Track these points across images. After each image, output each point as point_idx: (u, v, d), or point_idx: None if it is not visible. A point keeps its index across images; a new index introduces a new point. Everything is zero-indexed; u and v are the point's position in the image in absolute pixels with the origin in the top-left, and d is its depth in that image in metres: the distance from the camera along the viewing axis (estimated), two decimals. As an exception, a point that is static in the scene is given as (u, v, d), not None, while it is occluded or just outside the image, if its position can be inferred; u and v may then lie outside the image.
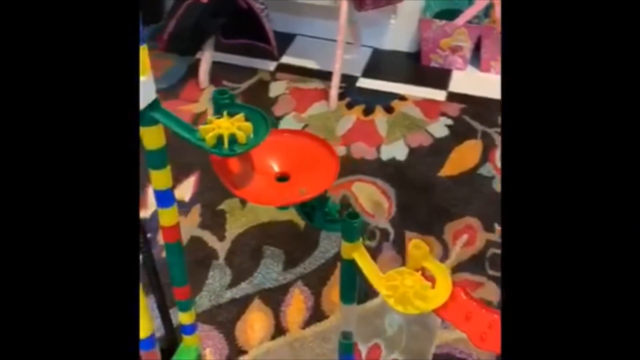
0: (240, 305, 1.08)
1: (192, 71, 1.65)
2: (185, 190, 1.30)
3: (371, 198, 1.30)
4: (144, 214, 1.25)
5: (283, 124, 1.50)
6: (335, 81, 1.56)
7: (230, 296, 1.09)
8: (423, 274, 0.71)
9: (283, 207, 0.70)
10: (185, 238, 1.20)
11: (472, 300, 0.73)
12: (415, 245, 0.72)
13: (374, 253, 1.18)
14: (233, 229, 1.21)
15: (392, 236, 1.22)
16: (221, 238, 1.20)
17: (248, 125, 0.59)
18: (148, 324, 0.72)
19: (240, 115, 0.60)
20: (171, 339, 0.91)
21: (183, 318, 0.85)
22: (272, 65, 1.71)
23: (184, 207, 1.26)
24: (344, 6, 1.49)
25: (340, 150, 1.43)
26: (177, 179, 1.30)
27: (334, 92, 1.55)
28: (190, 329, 0.87)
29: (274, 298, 1.09)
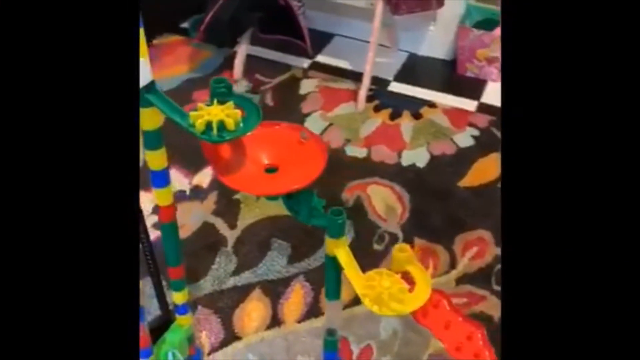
0: (241, 293, 1.10)
1: (228, 63, 1.69)
2: (205, 177, 1.34)
3: (385, 202, 1.30)
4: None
5: (309, 122, 1.52)
6: (365, 82, 1.56)
7: (232, 283, 1.12)
8: (406, 278, 0.72)
9: (271, 198, 0.71)
10: (198, 223, 1.24)
11: (454, 311, 0.73)
12: (400, 248, 0.72)
13: (381, 256, 1.18)
14: (245, 219, 1.24)
15: (400, 241, 1.21)
16: (232, 226, 1.23)
17: (237, 113, 0.61)
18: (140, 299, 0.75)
19: (230, 103, 0.62)
20: (166, 319, 0.94)
21: (176, 298, 0.87)
22: (306, 63, 1.73)
23: (201, 194, 1.30)
24: (379, 8, 1.49)
25: (361, 152, 1.43)
26: (198, 166, 1.34)
27: (362, 93, 1.56)
28: (183, 309, 0.89)
29: (274, 290, 1.10)
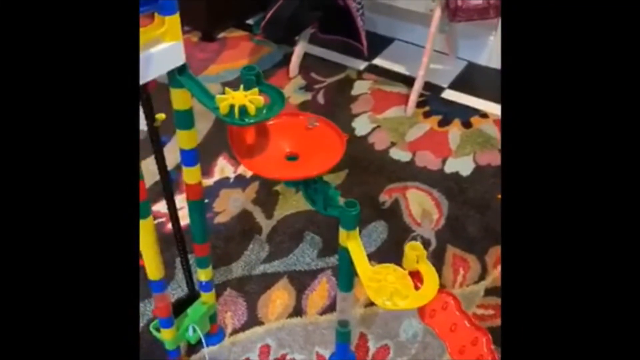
0: (269, 280, 1.13)
1: (286, 60, 1.73)
2: (249, 166, 1.38)
3: (422, 206, 1.30)
4: (208, 181, 1.34)
5: (356, 122, 1.54)
6: (416, 87, 1.56)
7: (262, 270, 1.15)
8: (417, 277, 0.72)
9: (289, 184, 0.74)
10: (237, 210, 1.28)
11: (463, 314, 0.73)
12: (412, 246, 0.73)
13: (410, 259, 1.18)
14: (282, 210, 1.27)
15: (432, 247, 1.21)
16: (269, 216, 1.26)
17: (259, 99, 0.64)
18: (158, 270, 0.79)
19: (255, 90, 0.65)
20: (192, 297, 0.98)
21: (201, 275, 0.92)
22: (362, 65, 1.75)
23: (244, 183, 1.34)
24: (437, 14, 1.49)
25: (405, 156, 1.43)
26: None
27: (413, 97, 1.56)
28: (207, 287, 0.94)
29: (301, 281, 1.13)
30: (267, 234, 1.23)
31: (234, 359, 1.01)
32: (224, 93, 0.65)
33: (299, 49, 1.68)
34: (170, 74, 0.66)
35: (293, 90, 1.64)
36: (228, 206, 1.29)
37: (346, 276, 0.78)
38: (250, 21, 1.94)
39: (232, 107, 0.64)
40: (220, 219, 1.26)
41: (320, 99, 1.62)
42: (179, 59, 0.65)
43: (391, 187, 1.35)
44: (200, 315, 0.92)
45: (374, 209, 1.29)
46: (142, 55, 0.61)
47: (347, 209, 0.70)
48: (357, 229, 0.73)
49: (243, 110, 0.64)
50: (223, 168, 1.38)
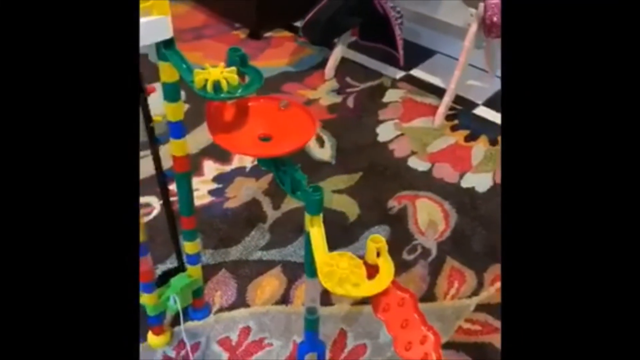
0: (263, 267, 1.16)
1: (325, 63, 1.77)
2: (268, 159, 1.42)
3: (430, 217, 1.29)
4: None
5: (381, 128, 1.55)
6: (446, 99, 1.55)
7: (258, 256, 1.18)
8: (374, 269, 0.73)
9: (262, 163, 0.76)
10: (247, 198, 1.32)
11: (417, 314, 0.73)
12: (373, 239, 0.74)
13: (407, 266, 1.17)
14: (289, 204, 1.30)
15: (432, 257, 1.20)
16: (276, 207, 1.29)
17: (234, 77, 0.68)
18: (141, 233, 0.84)
19: (233, 69, 0.69)
20: (180, 271, 1.02)
21: (188, 247, 0.96)
22: (399, 74, 1.76)
23: (258, 173, 1.38)
24: (473, 28, 1.48)
25: (424, 166, 1.43)
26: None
27: (441, 110, 1.55)
28: (194, 259, 0.98)
29: (293, 272, 1.15)
30: (270, 223, 1.26)
31: (214, 335, 1.04)
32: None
33: (336, 53, 1.71)
34: (158, 47, 0.71)
35: (325, 92, 1.67)
36: (239, 193, 1.33)
37: (313, 262, 0.80)
38: (298, 23, 1.99)
39: (208, 81, 0.68)
40: (229, 204, 1.30)
41: (350, 102, 1.64)
42: (166, 33, 0.70)
43: (402, 194, 1.35)
44: (182, 287, 0.96)
45: (381, 214, 1.29)
46: (129, 25, 0.66)
47: (312, 193, 0.72)
48: (321, 215, 0.74)
49: (218, 85, 0.67)
50: (242, 157, 1.42)
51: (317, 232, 0.74)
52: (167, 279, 0.98)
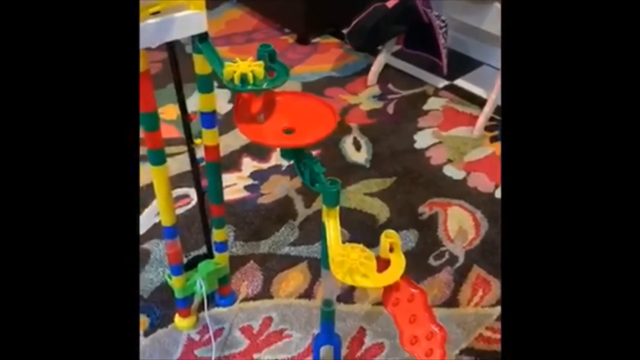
0: (290, 262, 1.19)
1: (368, 69, 1.79)
2: (304, 159, 1.46)
3: (460, 224, 1.29)
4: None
5: (419, 135, 1.55)
6: (486, 110, 1.54)
7: (286, 251, 1.21)
8: (383, 262, 0.75)
9: (284, 156, 0.79)
10: (280, 195, 1.36)
11: (426, 310, 0.74)
12: (387, 234, 0.76)
13: (432, 271, 1.18)
14: (321, 203, 1.32)
15: (458, 264, 1.19)
16: (308, 205, 1.33)
17: (261, 70, 0.71)
18: (170, 217, 0.89)
19: (260, 63, 0.72)
20: (207, 255, 1.06)
21: (216, 235, 1.00)
22: (442, 83, 1.76)
23: (292, 172, 1.42)
24: (517, 40, 1.47)
25: (459, 174, 1.42)
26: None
27: (481, 120, 1.54)
28: (221, 247, 1.02)
29: (319, 268, 1.17)
30: (300, 221, 1.29)
31: (237, 322, 1.08)
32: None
33: (380, 59, 1.73)
34: (193, 40, 0.75)
35: (366, 97, 1.70)
36: (273, 190, 1.37)
37: (327, 254, 0.82)
38: (344, 30, 2.02)
39: (238, 74, 0.72)
40: (263, 200, 1.35)
41: (390, 109, 1.66)
42: (201, 27, 0.74)
43: (434, 200, 1.35)
44: (209, 272, 1.00)
45: (411, 218, 1.30)
46: (166, 18, 0.71)
47: (329, 186, 0.75)
48: (338, 207, 0.77)
49: (245, 78, 0.71)
50: (279, 156, 1.46)
51: (332, 224, 0.76)
52: (195, 264, 1.03)
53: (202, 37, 0.75)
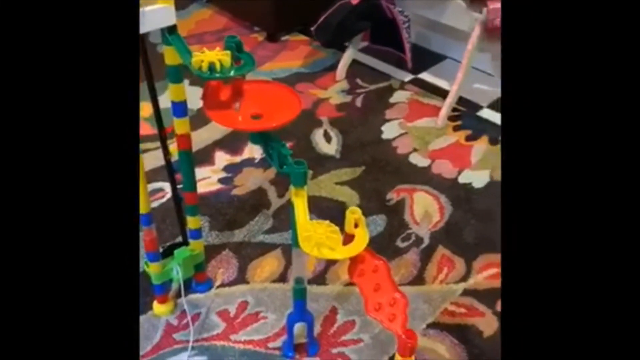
0: (264, 249, 1.24)
1: (337, 65, 1.85)
2: (276, 152, 1.51)
3: (425, 208, 1.35)
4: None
5: (386, 127, 1.62)
6: (448, 101, 1.61)
7: (260, 239, 1.26)
8: (349, 237, 0.80)
9: (253, 141, 0.84)
10: (254, 186, 1.41)
11: (389, 279, 0.79)
12: (352, 211, 0.81)
13: (400, 253, 1.23)
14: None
15: (424, 245, 1.26)
16: (280, 195, 1.37)
17: (227, 59, 0.76)
18: (145, 205, 0.93)
19: (227, 52, 0.77)
20: (183, 243, 1.10)
21: (190, 222, 1.05)
22: (408, 77, 1.83)
23: (267, 164, 1.46)
24: (475, 32, 1.54)
25: (424, 162, 1.49)
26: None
27: (444, 110, 1.61)
28: (195, 234, 1.06)
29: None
30: (274, 210, 1.34)
31: (214, 307, 1.12)
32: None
33: (347, 55, 1.79)
34: (162, 33, 0.80)
35: (335, 92, 1.75)
36: (247, 182, 1.42)
37: (296, 232, 0.87)
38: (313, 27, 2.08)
39: (205, 63, 0.76)
40: (236, 192, 1.39)
41: (358, 102, 1.72)
42: (170, 20, 0.79)
43: (401, 187, 1.41)
44: (184, 258, 1.04)
45: (379, 204, 1.36)
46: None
47: (296, 167, 0.80)
48: (305, 187, 0.82)
49: (213, 66, 0.76)
50: (252, 149, 1.51)
51: (300, 203, 0.81)
52: (171, 252, 1.07)
53: (171, 29, 0.79)
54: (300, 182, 0.80)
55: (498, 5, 1.49)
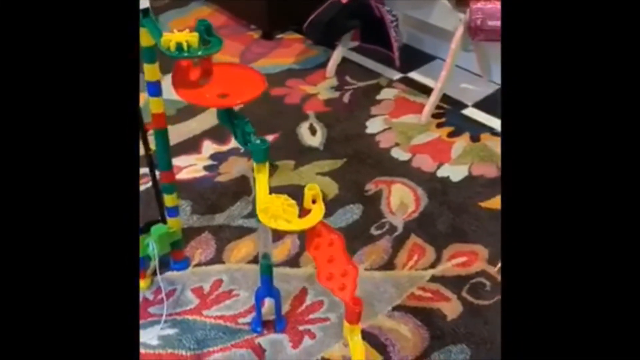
0: (243, 232, 1.29)
1: (328, 63, 1.90)
2: (261, 142, 1.55)
3: (401, 199, 1.39)
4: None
5: (370, 121, 1.66)
6: (432, 99, 1.66)
7: (240, 223, 1.31)
8: (306, 211, 0.84)
9: (220, 120, 0.89)
10: (237, 174, 1.46)
11: (343, 253, 0.84)
12: (310, 187, 0.85)
13: (373, 240, 1.27)
14: (276, 181, 1.42)
15: (397, 233, 1.30)
16: (262, 183, 1.42)
17: (194, 40, 0.81)
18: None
19: (195, 34, 0.82)
20: (161, 221, 1.15)
21: (167, 200, 1.09)
22: (396, 76, 1.87)
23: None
24: (459, 32, 1.58)
25: (404, 156, 1.53)
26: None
27: (427, 108, 1.65)
28: (172, 212, 1.11)
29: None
30: (254, 196, 1.38)
31: (189, 284, 1.17)
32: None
33: (337, 53, 1.84)
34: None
35: (324, 88, 1.80)
36: (231, 169, 1.47)
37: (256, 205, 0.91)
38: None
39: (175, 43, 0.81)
40: (220, 179, 1.44)
41: (346, 98, 1.76)
42: (144, 3, 0.84)
43: (380, 179, 1.45)
44: (160, 235, 1.09)
45: (357, 194, 1.40)
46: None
47: (259, 144, 0.85)
48: (267, 163, 0.87)
49: (180, 46, 0.81)
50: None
51: (261, 178, 0.86)
52: (148, 229, 1.11)
53: (145, 12, 0.85)
54: (262, 158, 0.85)
55: (480, 5, 1.53)
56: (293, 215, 0.82)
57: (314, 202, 0.85)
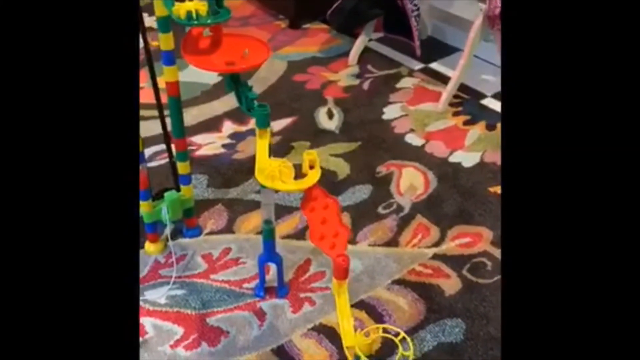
0: (254, 206, 1.34)
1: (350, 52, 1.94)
2: (277, 125, 1.60)
3: (411, 181, 1.41)
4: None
5: (388, 108, 1.69)
6: (450, 87, 1.67)
7: (252, 198, 1.36)
8: (303, 175, 0.89)
9: (227, 86, 0.94)
10: (253, 152, 1.49)
11: (337, 216, 0.88)
12: (308, 153, 0.90)
13: (380, 218, 1.30)
14: (290, 160, 1.46)
15: (403, 213, 1.32)
16: (277, 162, 1.47)
17: (204, 9, 0.86)
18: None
19: (204, 3, 0.87)
20: (175, 188, 1.21)
21: (180, 168, 1.15)
22: (417, 66, 1.90)
23: (269, 134, 1.56)
24: (478, 21, 1.59)
25: (418, 142, 1.55)
26: (274, 116, 1.61)
27: (444, 95, 1.67)
28: (185, 180, 1.17)
29: (279, 212, 1.31)
30: (268, 173, 1.43)
31: (199, 250, 1.22)
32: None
33: (360, 41, 1.88)
34: (153, -13, 0.91)
35: (345, 76, 1.84)
36: (248, 148, 1.52)
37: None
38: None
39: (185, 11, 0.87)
40: (237, 156, 1.49)
41: (366, 85, 1.80)
42: (162, -25, 0.90)
43: (392, 162, 1.48)
44: (172, 200, 1.15)
45: (369, 176, 1.44)
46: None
47: (261, 109, 0.89)
48: (268, 128, 0.91)
49: (189, 14, 0.86)
50: (258, 121, 1.61)
51: (262, 143, 0.91)
52: (162, 195, 1.18)
53: (160, -17, 0.91)
54: (264, 124, 0.90)
55: (499, -6, 1.54)
56: (289, 177, 0.86)
57: (311, 167, 0.90)
